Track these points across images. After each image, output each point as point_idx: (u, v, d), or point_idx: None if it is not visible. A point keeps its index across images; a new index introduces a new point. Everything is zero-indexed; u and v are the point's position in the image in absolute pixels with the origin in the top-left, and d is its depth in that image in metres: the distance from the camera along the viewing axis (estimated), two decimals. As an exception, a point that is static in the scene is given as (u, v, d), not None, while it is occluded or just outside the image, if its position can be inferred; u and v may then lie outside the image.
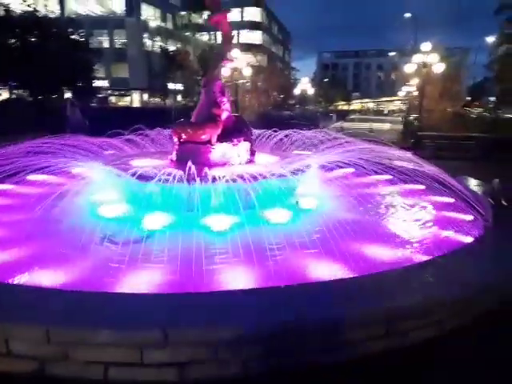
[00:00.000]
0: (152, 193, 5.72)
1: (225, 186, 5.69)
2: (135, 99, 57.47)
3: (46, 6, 33.53)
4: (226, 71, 22.35)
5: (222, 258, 4.64)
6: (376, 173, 8.63)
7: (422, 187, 8.06)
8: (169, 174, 5.55)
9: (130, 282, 4.14)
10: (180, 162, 6.58)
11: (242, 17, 72.37)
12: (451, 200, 7.22)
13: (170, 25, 63.75)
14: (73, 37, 33.84)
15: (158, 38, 58.84)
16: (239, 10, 72.02)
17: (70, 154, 6.91)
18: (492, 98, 48.17)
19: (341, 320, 3.47)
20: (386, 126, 39.80)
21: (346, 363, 3.42)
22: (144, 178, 5.73)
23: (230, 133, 7.14)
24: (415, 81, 27.66)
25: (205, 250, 4.59)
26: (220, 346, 3.15)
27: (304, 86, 42.59)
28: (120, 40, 57.16)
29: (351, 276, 4.33)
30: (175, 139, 7.05)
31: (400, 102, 59.78)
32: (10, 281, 4.04)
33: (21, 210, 6.17)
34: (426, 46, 20.41)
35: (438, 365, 3.50)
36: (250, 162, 7.33)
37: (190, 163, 5.78)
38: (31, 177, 7.10)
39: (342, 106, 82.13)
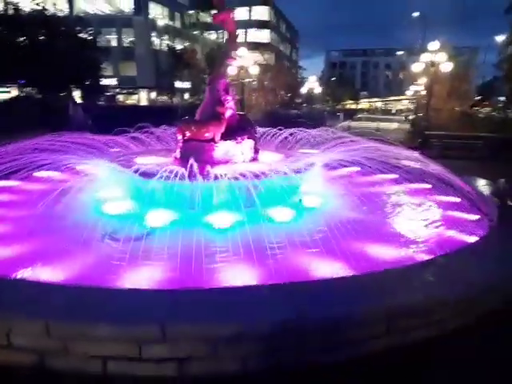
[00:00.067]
0: (154, 190, 5.74)
1: (227, 183, 5.70)
2: (143, 97, 57.70)
3: (54, 4, 33.75)
4: (232, 70, 22.36)
5: (223, 255, 4.64)
6: (381, 172, 8.60)
7: (428, 186, 8.01)
8: (171, 172, 5.56)
9: (130, 278, 4.16)
10: (184, 160, 6.59)
11: (249, 15, 72.32)
12: (457, 199, 7.17)
13: (178, 23, 63.89)
14: (81, 35, 34.07)
15: (165, 37, 59.01)
16: (247, 8, 72.02)
17: (75, 151, 6.97)
18: (502, 98, 47.65)
19: (342, 318, 3.46)
20: (394, 125, 39.58)
21: (346, 362, 3.40)
22: (147, 175, 5.77)
23: (234, 131, 7.15)
24: (423, 80, 27.46)
25: (206, 248, 4.62)
26: (219, 343, 3.15)
27: (311, 84, 42.43)
28: (128, 39, 57.41)
29: (353, 274, 4.31)
30: (179, 137, 7.07)
31: (408, 101, 59.36)
32: (13, 275, 4.09)
33: (25, 205, 6.23)
34: (433, 44, 20.25)
35: (439, 364, 3.47)
36: (254, 160, 7.33)
37: (191, 160, 5.80)
38: (36, 173, 7.16)
39: (350, 104, 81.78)
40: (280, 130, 10.02)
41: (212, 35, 60.28)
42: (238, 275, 4.34)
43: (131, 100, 57.80)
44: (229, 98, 7.30)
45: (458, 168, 8.09)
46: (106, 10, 57.05)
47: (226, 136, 7.01)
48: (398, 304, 3.67)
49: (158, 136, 9.96)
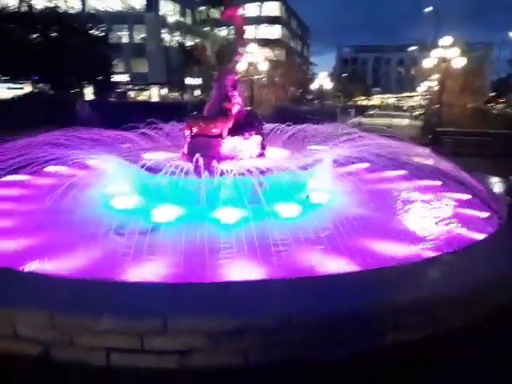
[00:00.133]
0: (160, 185, 5.77)
1: (234, 179, 5.71)
2: (154, 94, 58.02)
3: (66, 1, 34.06)
4: (242, 66, 22.31)
5: (227, 251, 4.65)
6: (390, 168, 8.54)
7: (437, 183, 7.93)
8: (177, 167, 5.59)
9: (134, 271, 4.20)
10: (191, 156, 6.60)
11: (260, 11, 72.10)
12: (466, 197, 7.09)
13: (188, 20, 64.02)
14: (92, 32, 34.34)
15: (176, 33, 59.18)
16: (258, 4, 71.82)
17: (83, 146, 7.03)
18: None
19: (347, 314, 3.45)
20: (405, 121, 39.14)
21: (350, 359, 3.39)
22: (153, 170, 5.80)
23: (241, 127, 7.14)
24: (435, 76, 27.09)
25: (211, 243, 4.63)
26: (220, 336, 3.17)
27: (322, 80, 42.12)
28: (139, 35, 57.71)
29: (359, 270, 4.30)
30: (187, 133, 7.09)
31: (420, 97, 58.62)
32: (21, 268, 4.15)
33: (32, 200, 6.32)
34: (445, 40, 19.95)
35: (442, 362, 3.44)
36: (261, 155, 7.31)
37: (197, 156, 5.82)
38: (44, 168, 7.25)
39: (362, 101, 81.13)
40: (288, 125, 9.97)
41: (223, 32, 60.22)
42: (243, 270, 4.34)
43: (142, 96, 58.16)
44: (236, 93, 7.30)
45: (469, 165, 7.99)
46: (118, 6, 57.39)
47: (233, 132, 7.01)
48: (405, 300, 3.64)
49: (167, 132, 9.99)
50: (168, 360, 3.16)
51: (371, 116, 36.61)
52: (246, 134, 7.12)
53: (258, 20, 68.70)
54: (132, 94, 57.98)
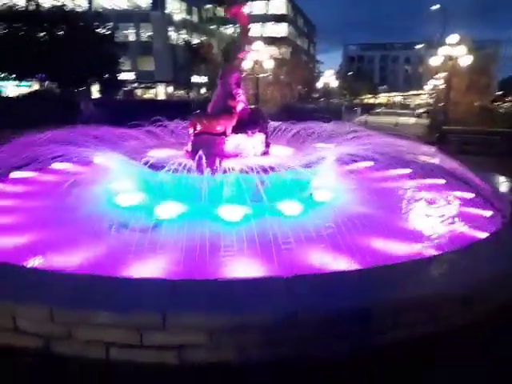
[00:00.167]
0: (163, 182, 5.79)
1: (237, 177, 5.72)
2: (160, 92, 58.16)
3: (73, 0, 34.25)
4: (247, 64, 22.28)
5: (229, 248, 4.65)
6: (394, 167, 8.51)
7: (441, 182, 7.89)
8: (180, 164, 5.61)
9: (135, 267, 4.22)
10: (195, 153, 6.62)
11: (267, 9, 71.98)
12: (470, 196, 7.05)
13: (195, 18, 64.06)
14: (99, 30, 34.45)
15: (183, 31, 59.25)
16: (265, 2, 71.70)
17: (89, 144, 7.07)
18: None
19: (348, 312, 3.46)
20: (412, 120, 38.91)
21: (351, 357, 3.39)
22: (155, 167, 5.82)
23: (245, 124, 7.15)
24: (442, 74, 26.89)
25: (212, 241, 4.63)
26: (219, 333, 3.19)
27: (327, 78, 42.00)
28: (146, 33, 57.85)
29: (360, 268, 4.30)
30: (191, 130, 7.11)
31: (427, 95, 58.21)
32: (23, 263, 4.20)
33: (35, 196, 6.38)
34: (452, 38, 19.79)
35: (442, 362, 3.43)
36: (265, 153, 7.31)
37: (200, 153, 5.83)
38: (49, 165, 7.31)
39: (368, 99, 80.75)
40: (293, 123, 9.95)
41: (229, 29, 60.18)
42: (244, 268, 4.35)
43: (149, 94, 58.33)
44: (240, 91, 7.30)
45: (474, 164, 7.95)
46: (124, 5, 57.58)
47: (237, 129, 7.02)
48: (406, 298, 3.65)
49: (172, 130, 10.02)
50: (167, 355, 3.18)
51: (377, 114, 36.41)
52: (250, 131, 7.13)
53: (265, 18, 68.57)
54: (139, 92, 58.17)
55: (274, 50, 43.96)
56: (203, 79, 50.17)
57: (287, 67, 41.33)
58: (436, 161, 8.64)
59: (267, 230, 4.78)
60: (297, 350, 3.39)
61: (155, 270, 4.22)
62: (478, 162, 9.70)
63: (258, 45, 24.26)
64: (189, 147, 7.20)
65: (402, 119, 34.10)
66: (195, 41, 54.02)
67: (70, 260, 4.30)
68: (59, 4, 31.83)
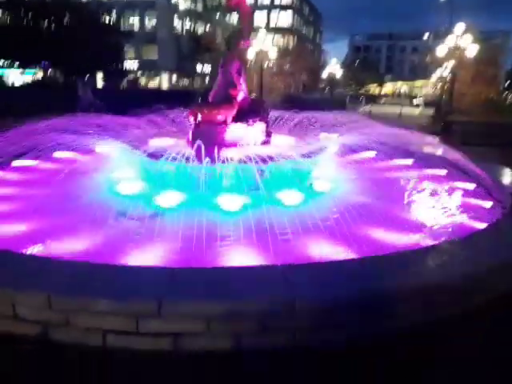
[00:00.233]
0: (163, 172, 5.81)
1: (236, 166, 5.72)
2: (164, 81, 57.93)
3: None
4: (251, 53, 22.13)
5: (227, 237, 4.67)
6: (396, 157, 8.48)
7: (442, 172, 7.86)
8: (179, 153, 5.62)
9: (133, 256, 4.25)
10: (195, 142, 6.63)
11: (272, -2, 71.26)
12: (471, 186, 7.03)
13: (200, 6, 63.51)
14: (103, 19, 34.30)
15: (187, 20, 58.78)
16: (270, -10, 70.95)
17: (90, 132, 7.08)
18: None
19: (342, 301, 3.48)
20: (417, 110, 38.63)
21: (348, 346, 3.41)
22: (154, 156, 5.83)
23: (246, 113, 7.13)
24: (447, 64, 26.59)
25: (210, 229, 4.66)
26: (216, 321, 3.22)
27: (332, 68, 41.63)
28: (151, 22, 57.43)
29: (356, 257, 4.31)
30: (191, 119, 7.10)
31: (432, 85, 57.63)
32: (22, 250, 4.23)
33: (36, 184, 6.41)
34: (458, 27, 19.55)
35: (442, 362, 3.43)
36: (266, 143, 7.30)
37: (198, 142, 5.83)
38: (49, 153, 7.33)
39: (374, 88, 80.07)
40: (296, 113, 9.92)
41: (234, 18, 59.67)
42: (242, 257, 4.36)
43: (152, 83, 58.11)
44: (241, 80, 7.27)
45: (477, 154, 7.90)
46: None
47: (237, 119, 7.00)
48: (404, 288, 3.66)
49: (173, 118, 10.00)
50: (162, 342, 3.22)
51: (382, 104, 36.18)
52: (250, 120, 7.11)
53: (270, 6, 67.90)
54: (142, 81, 57.98)
55: (278, 39, 43.58)
56: (208, 68, 49.97)
57: (291, 57, 41.02)
58: (438, 151, 8.61)
59: (265, 219, 4.80)
60: (294, 339, 3.41)
61: (153, 258, 4.25)
62: (480, 152, 9.64)
63: (262, 34, 24.08)
64: (190, 136, 7.20)
65: (407, 109, 33.84)
66: (200, 29, 53.65)
67: (68, 247, 4.34)
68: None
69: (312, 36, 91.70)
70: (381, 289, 3.59)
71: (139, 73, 56.54)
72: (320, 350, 3.33)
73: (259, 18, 65.27)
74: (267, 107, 7.84)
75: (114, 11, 37.29)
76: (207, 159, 5.71)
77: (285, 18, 71.26)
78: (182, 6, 58.86)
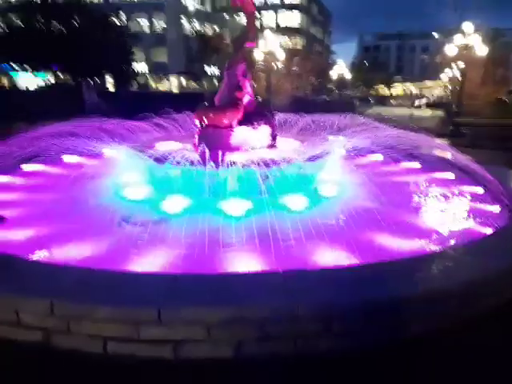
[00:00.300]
0: (168, 176, 5.82)
1: (242, 170, 5.70)
2: (174, 83, 58.17)
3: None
4: (258, 54, 22.09)
5: (231, 242, 4.67)
6: (403, 160, 8.41)
7: (450, 176, 7.78)
8: (186, 158, 5.62)
9: (136, 261, 4.25)
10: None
11: (280, -2, 71.09)
12: (479, 190, 6.95)
13: (208, 7, 63.73)
14: (113, 22, 34.55)
15: (196, 22, 58.99)
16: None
17: (96, 136, 7.12)
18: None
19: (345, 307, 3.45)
20: (428, 112, 38.28)
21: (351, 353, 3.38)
22: (160, 160, 5.84)
23: (252, 116, 7.11)
24: (455, 64, 26.30)
25: (214, 234, 4.64)
26: (216, 327, 3.21)
27: (340, 69, 41.41)
28: (160, 24, 57.73)
29: (360, 263, 4.27)
30: (197, 123, 7.10)
31: (442, 86, 57.07)
32: (25, 256, 4.24)
33: (41, 189, 6.46)
34: (467, 26, 19.29)
35: (442, 362, 3.40)
36: (272, 146, 7.27)
37: (203, 146, 5.83)
38: (55, 158, 7.40)
39: (383, 89, 79.49)
40: (302, 116, 9.88)
41: (243, 19, 59.71)
42: (246, 262, 4.35)
43: (162, 85, 58.39)
44: (247, 83, 7.25)
45: (486, 157, 7.82)
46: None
47: (243, 122, 6.99)
48: (407, 295, 3.62)
49: (181, 122, 10.01)
50: (163, 349, 3.21)
51: (391, 106, 35.91)
52: (256, 124, 7.09)
53: (277, 6, 67.74)
54: (152, 84, 58.27)
55: (286, 40, 43.48)
56: (217, 70, 50.06)
57: (299, 58, 40.89)
58: (446, 155, 8.52)
59: (270, 224, 4.77)
60: (295, 346, 3.39)
61: (156, 264, 4.25)
62: (490, 155, 9.53)
63: (269, 34, 23.95)
64: (196, 140, 7.20)
65: (417, 111, 33.57)
66: (208, 31, 53.80)
67: (73, 253, 4.35)
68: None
69: (320, 37, 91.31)
70: (385, 296, 3.55)
71: (149, 75, 56.88)
72: (322, 357, 3.31)
73: (267, 18, 65.27)
74: (273, 110, 7.81)
75: (122, 13, 37.52)
76: (212, 163, 5.70)
77: (293, 19, 71.02)
78: (191, 8, 59.10)
